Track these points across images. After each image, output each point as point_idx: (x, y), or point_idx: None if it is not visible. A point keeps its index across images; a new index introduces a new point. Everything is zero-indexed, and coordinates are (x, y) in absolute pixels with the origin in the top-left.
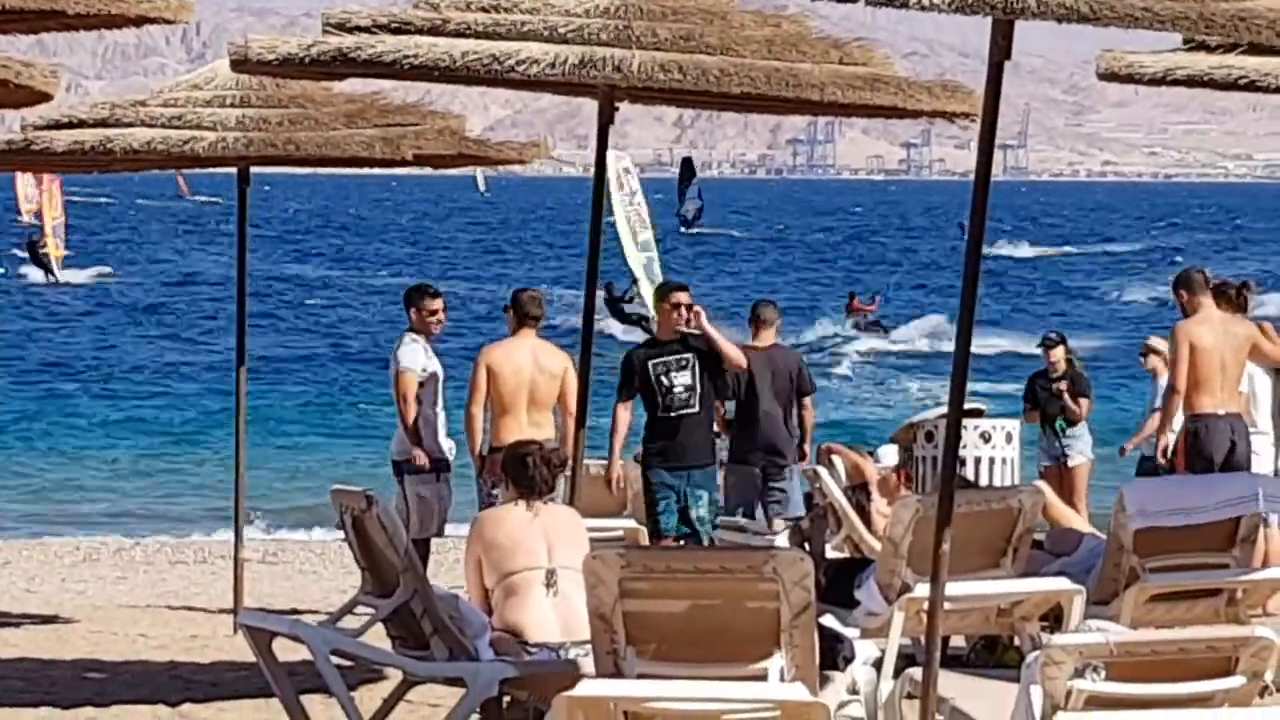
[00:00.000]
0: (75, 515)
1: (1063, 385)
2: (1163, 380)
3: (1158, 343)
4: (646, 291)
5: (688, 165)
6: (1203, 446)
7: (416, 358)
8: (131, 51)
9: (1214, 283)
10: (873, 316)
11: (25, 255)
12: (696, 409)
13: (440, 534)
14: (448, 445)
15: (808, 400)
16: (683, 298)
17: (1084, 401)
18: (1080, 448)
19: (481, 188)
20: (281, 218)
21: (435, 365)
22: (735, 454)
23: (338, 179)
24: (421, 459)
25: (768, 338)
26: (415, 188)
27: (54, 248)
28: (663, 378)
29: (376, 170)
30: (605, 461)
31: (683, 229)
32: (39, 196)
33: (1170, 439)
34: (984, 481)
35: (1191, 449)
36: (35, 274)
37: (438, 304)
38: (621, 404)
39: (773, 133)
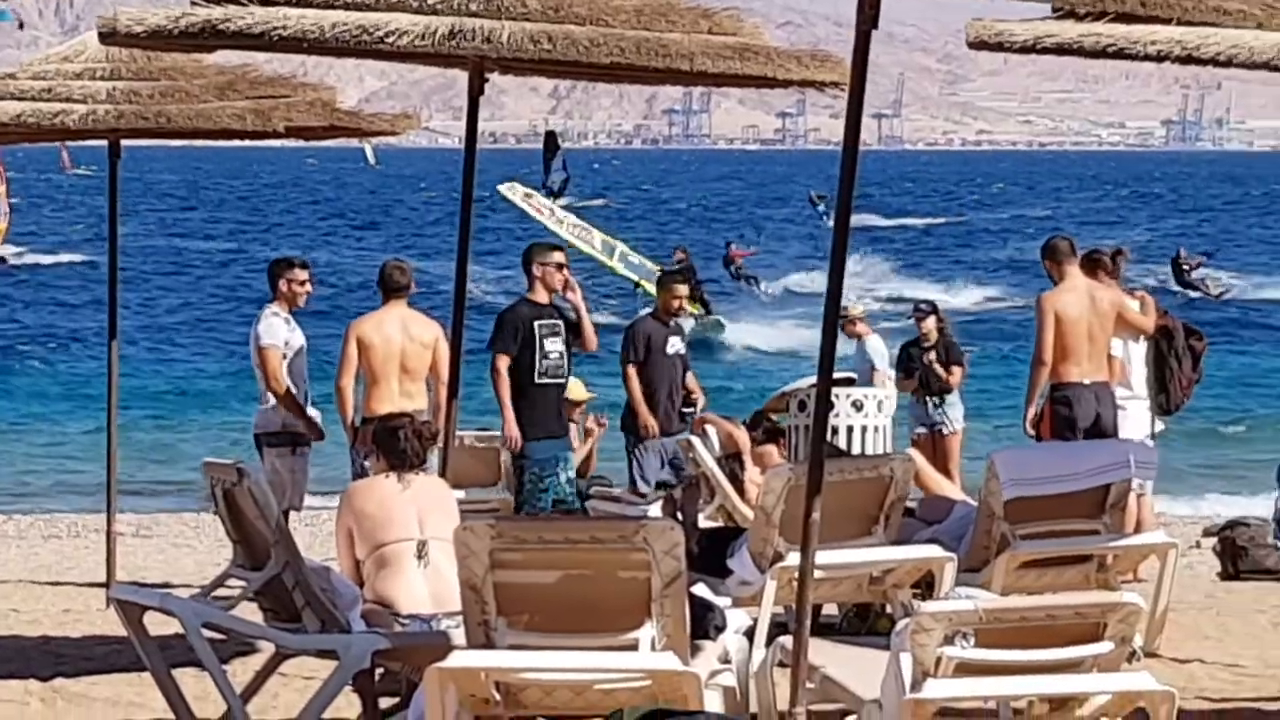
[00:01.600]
0: None
1: (932, 355)
2: (871, 341)
3: (856, 310)
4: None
5: (551, 138)
6: (1068, 415)
7: (279, 332)
8: (4, 24)
9: (1086, 250)
10: (747, 265)
11: None
12: (564, 380)
13: (299, 508)
14: (314, 415)
15: None
16: (560, 257)
17: (957, 370)
18: (955, 415)
19: (371, 160)
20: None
21: (299, 338)
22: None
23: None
24: (315, 429)
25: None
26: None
27: None
28: (544, 341)
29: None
30: (480, 433)
31: (549, 199)
32: None
33: (1034, 410)
34: (856, 450)
35: (1057, 418)
36: None
37: (305, 274)
38: (504, 358)
39: (648, 103)
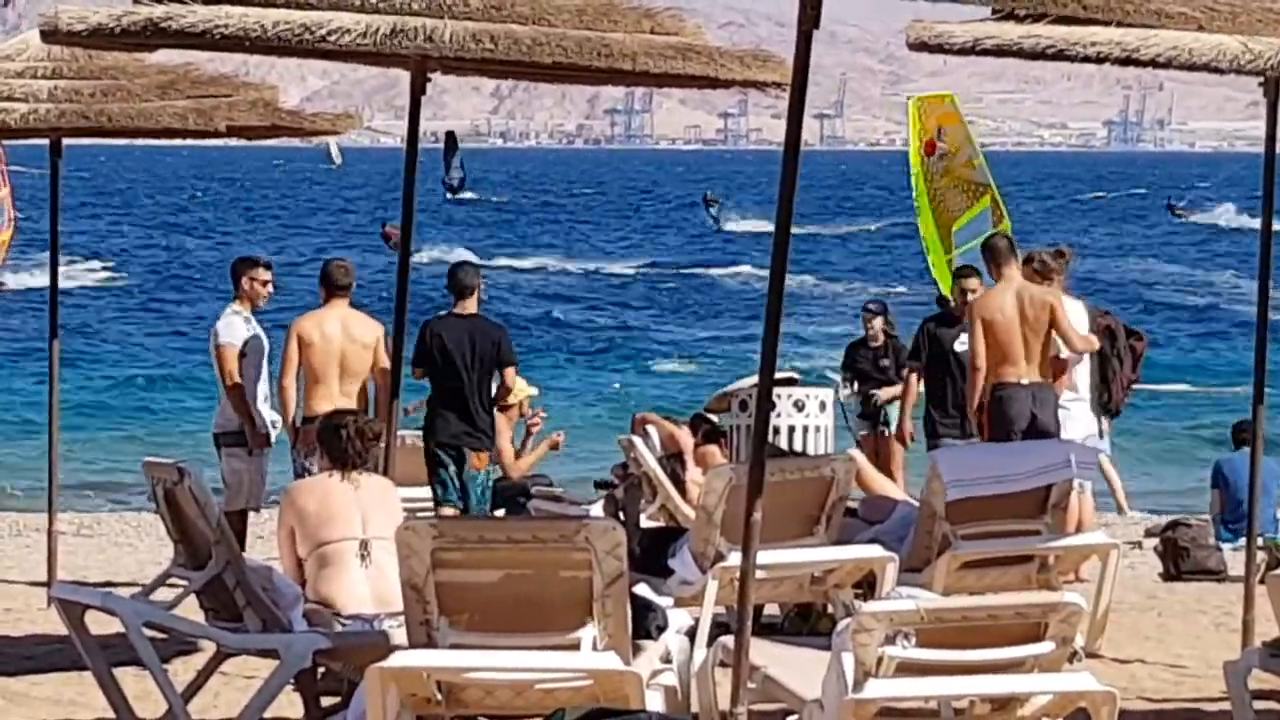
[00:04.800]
0: None
1: (886, 360)
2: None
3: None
4: None
5: (451, 138)
6: (1003, 416)
7: (237, 331)
8: None
9: (1025, 253)
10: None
11: None
12: None
13: (258, 509)
14: (270, 417)
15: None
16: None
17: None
18: (898, 416)
19: (336, 160)
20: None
21: (259, 338)
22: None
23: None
24: (258, 438)
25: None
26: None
27: None
28: None
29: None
30: (419, 433)
31: (448, 195)
32: None
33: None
34: (798, 450)
35: (993, 418)
36: None
37: (268, 274)
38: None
39: (590, 103)
